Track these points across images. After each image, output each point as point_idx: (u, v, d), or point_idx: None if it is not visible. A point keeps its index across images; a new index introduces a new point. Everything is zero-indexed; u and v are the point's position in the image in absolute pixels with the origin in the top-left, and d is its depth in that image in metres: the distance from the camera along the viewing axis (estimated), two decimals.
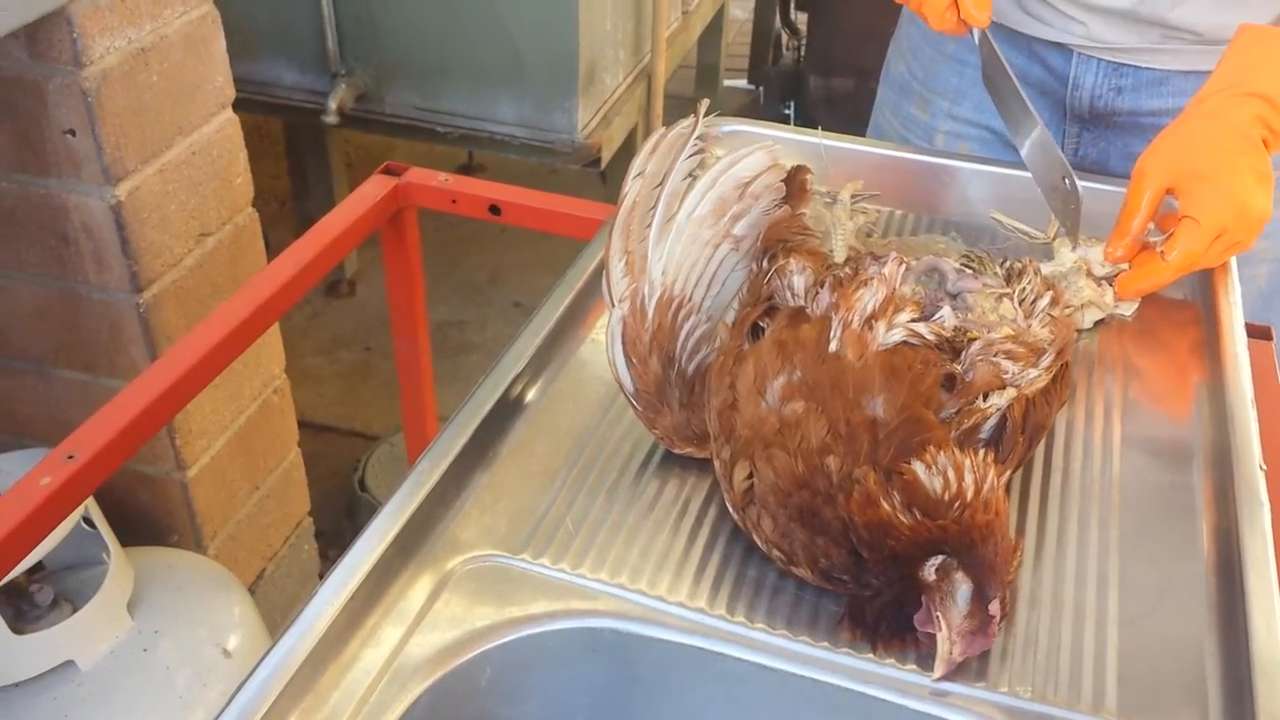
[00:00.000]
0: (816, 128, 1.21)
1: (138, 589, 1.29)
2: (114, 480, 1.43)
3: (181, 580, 1.32)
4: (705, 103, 0.87)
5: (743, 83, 3.82)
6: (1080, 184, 1.09)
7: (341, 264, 2.73)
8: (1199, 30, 1.09)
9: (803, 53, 3.31)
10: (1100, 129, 1.20)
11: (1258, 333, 1.05)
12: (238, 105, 1.42)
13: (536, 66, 2.00)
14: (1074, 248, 0.98)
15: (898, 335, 0.77)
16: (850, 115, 3.18)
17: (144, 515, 1.46)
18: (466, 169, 3.22)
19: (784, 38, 3.55)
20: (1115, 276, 0.97)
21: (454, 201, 1.16)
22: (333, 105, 2.05)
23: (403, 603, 0.71)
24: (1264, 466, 0.80)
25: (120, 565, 1.26)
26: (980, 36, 1.03)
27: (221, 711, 0.62)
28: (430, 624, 0.70)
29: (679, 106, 3.64)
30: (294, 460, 1.67)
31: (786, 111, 3.39)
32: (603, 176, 2.35)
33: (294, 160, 2.67)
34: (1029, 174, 1.03)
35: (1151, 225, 0.96)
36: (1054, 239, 1.02)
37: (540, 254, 2.92)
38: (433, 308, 2.92)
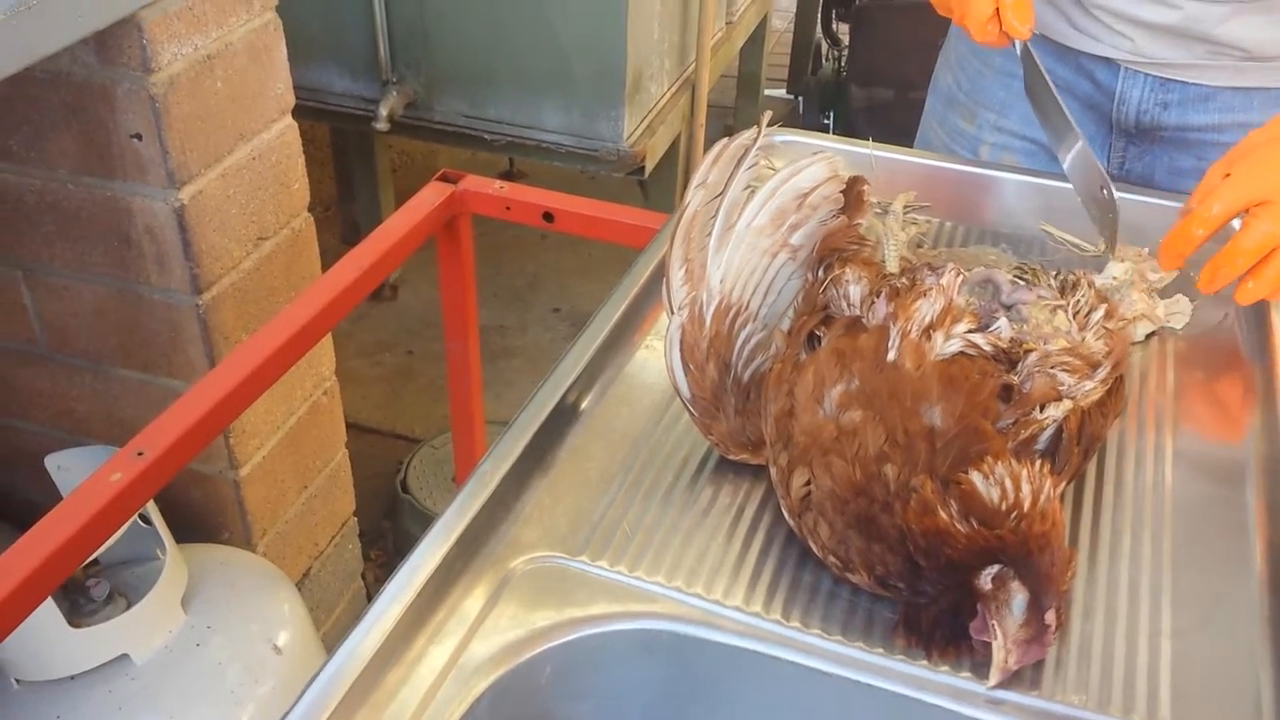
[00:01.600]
0: (857, 137, 1.22)
1: (191, 585, 1.31)
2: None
3: (234, 577, 1.34)
4: (768, 114, 0.88)
5: (782, 92, 3.82)
6: (1122, 196, 1.09)
7: None
8: (1246, 46, 1.09)
9: (843, 63, 3.31)
10: (1146, 143, 1.20)
11: None
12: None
13: (583, 75, 2.02)
14: (1113, 258, 0.98)
15: (955, 345, 0.78)
16: (891, 126, 3.18)
17: (197, 513, 1.49)
18: (507, 175, 3.25)
19: (823, 48, 3.55)
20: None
21: (508, 209, 1.18)
22: (383, 112, 2.08)
23: (467, 601, 0.72)
24: None
25: (175, 561, 1.29)
26: (1022, 48, 1.03)
27: (293, 705, 0.64)
28: (493, 623, 0.71)
29: (720, 116, 3.65)
30: (341, 461, 1.69)
31: (826, 121, 3.39)
32: (641, 185, 2.36)
33: (340, 165, 2.71)
34: (1068, 185, 1.03)
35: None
36: (1104, 251, 1.02)
37: (580, 260, 2.94)
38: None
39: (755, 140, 0.86)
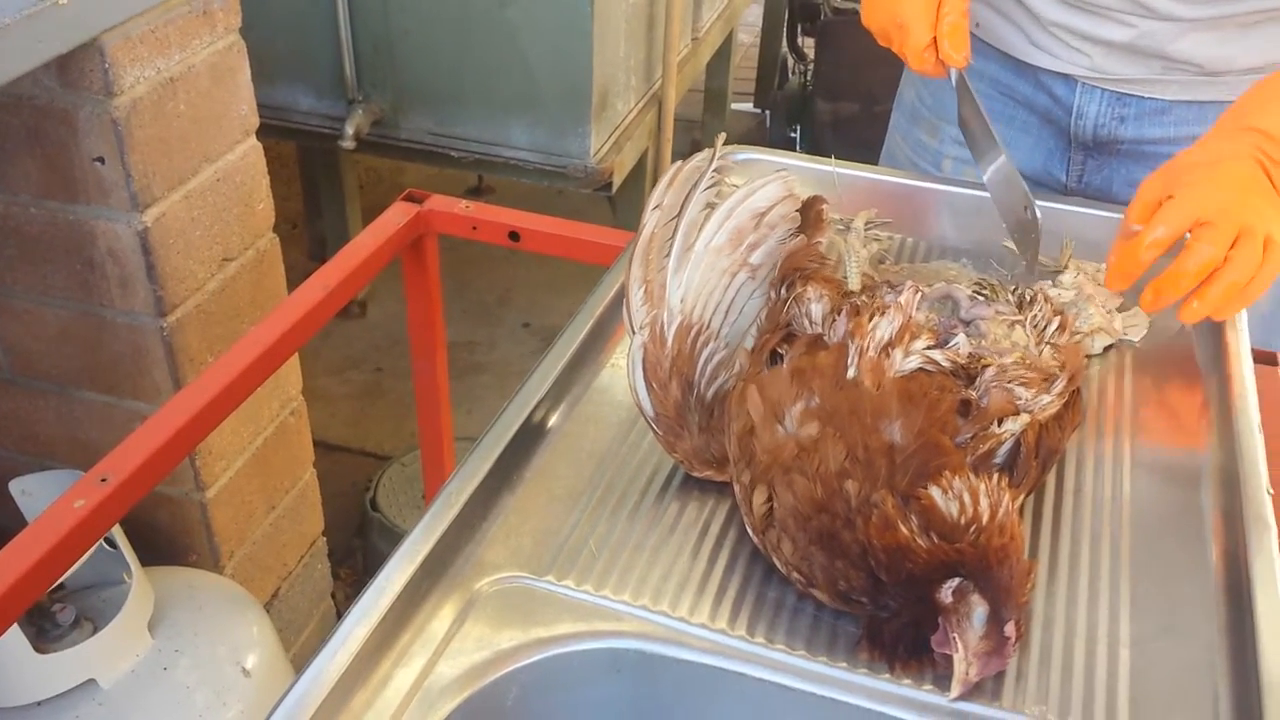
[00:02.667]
0: (822, 152, 1.23)
1: (158, 608, 1.31)
2: None
3: (201, 600, 1.33)
4: (722, 136, 0.90)
5: (749, 106, 3.85)
6: (1081, 210, 1.11)
7: None
8: (1199, 62, 1.11)
9: (809, 77, 3.34)
10: (1104, 156, 1.22)
11: (1263, 358, 1.07)
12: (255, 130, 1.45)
13: (551, 93, 2.02)
14: (1033, 274, 1.00)
15: (914, 362, 0.79)
16: (856, 140, 3.21)
17: (163, 535, 1.48)
18: (476, 191, 3.25)
19: (790, 62, 3.58)
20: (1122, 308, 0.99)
21: (474, 228, 1.18)
22: (350, 131, 2.08)
23: (433, 623, 0.72)
24: (1271, 490, 0.82)
25: (141, 585, 1.28)
26: (957, 78, 1.05)
27: None
28: (459, 644, 0.71)
29: (687, 130, 3.67)
30: (309, 481, 1.69)
31: (792, 135, 3.42)
32: (610, 201, 2.37)
33: (307, 183, 2.71)
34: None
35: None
36: (1065, 265, 1.04)
37: (549, 275, 2.94)
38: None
39: (711, 162, 0.87)
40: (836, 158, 1.24)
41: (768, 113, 3.69)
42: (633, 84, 2.25)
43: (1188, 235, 0.91)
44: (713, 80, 3.46)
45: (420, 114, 2.12)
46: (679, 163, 0.89)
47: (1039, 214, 1.00)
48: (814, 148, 3.17)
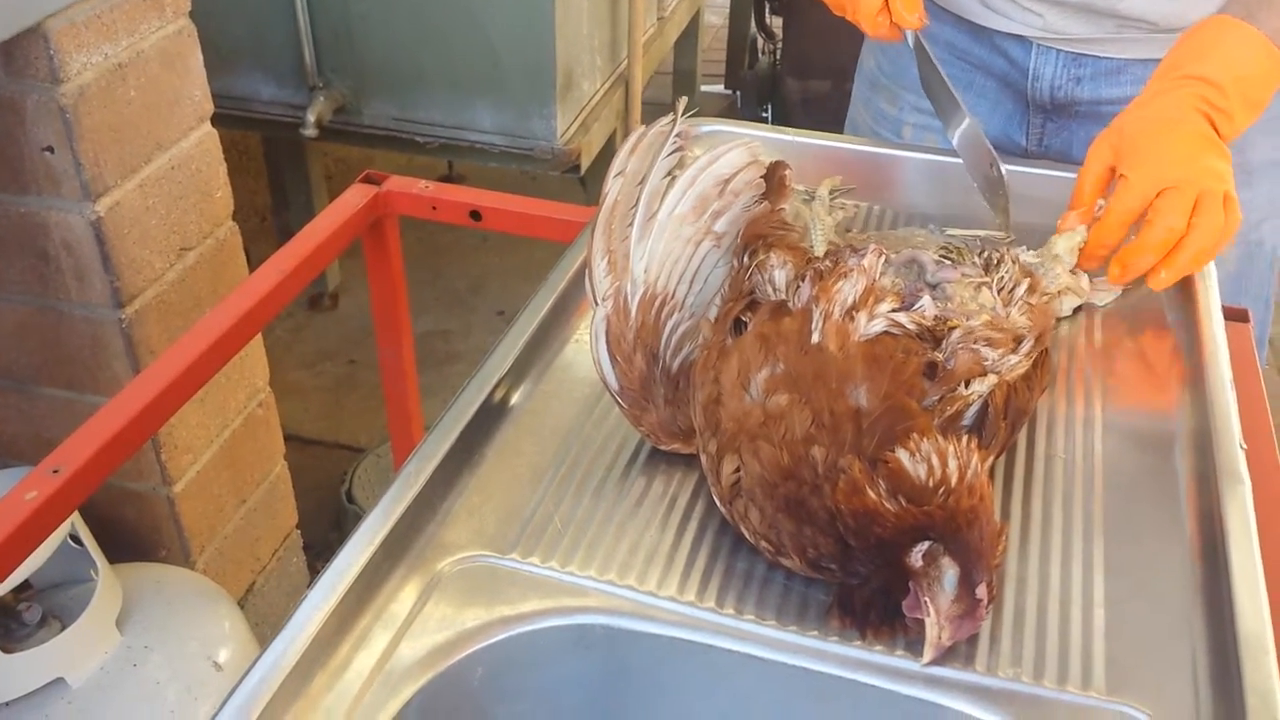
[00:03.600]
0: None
1: (127, 605, 1.28)
2: (100, 497, 1.43)
3: (170, 595, 1.31)
4: (684, 100, 0.88)
5: (719, 88, 3.83)
6: (1041, 172, 1.10)
7: (324, 277, 2.73)
8: (1151, 19, 1.11)
9: (778, 57, 3.33)
10: (1063, 119, 1.21)
11: (1234, 315, 1.06)
12: (216, 120, 1.42)
13: (514, 75, 2.00)
14: (1006, 232, 1.01)
15: (879, 325, 0.78)
16: (827, 117, 3.20)
17: (131, 531, 1.46)
18: (447, 179, 3.22)
19: (759, 42, 3.56)
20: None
21: (434, 208, 1.16)
22: (311, 118, 2.05)
23: (393, 605, 0.71)
24: (1244, 445, 0.81)
25: (108, 582, 1.26)
26: (914, 40, 1.05)
27: (217, 713, 0.62)
28: (420, 626, 0.70)
29: (657, 113, 3.65)
30: (280, 473, 1.66)
31: (764, 115, 3.40)
32: (582, 182, 2.35)
33: (273, 174, 2.67)
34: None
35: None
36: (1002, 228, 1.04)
37: (522, 262, 2.92)
38: (416, 318, 2.91)
39: (673, 127, 0.85)
40: (806, 130, 1.23)
41: (738, 94, 3.67)
42: (598, 64, 2.23)
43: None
44: (681, 61, 3.44)
45: (383, 100, 2.09)
46: (641, 129, 0.87)
47: (1004, 171, 1.00)
48: (785, 126, 3.15)
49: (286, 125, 2.14)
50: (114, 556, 1.35)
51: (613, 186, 0.84)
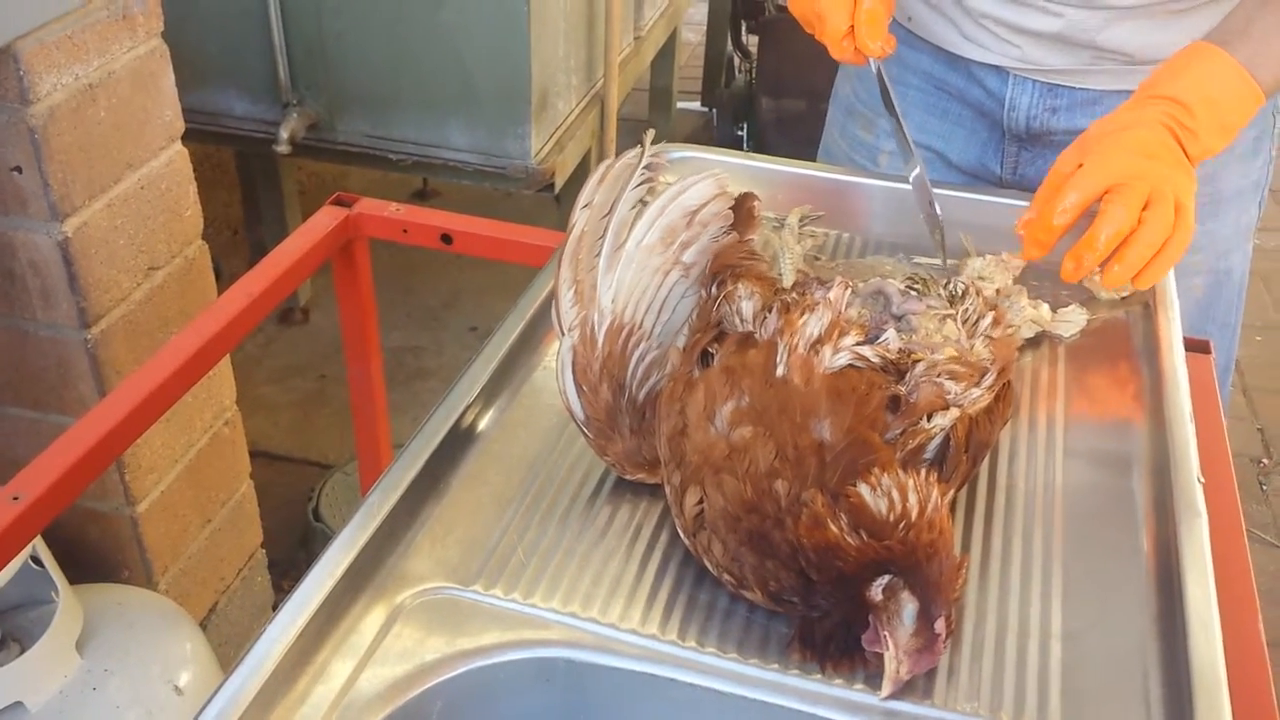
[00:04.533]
0: (768, 149, 1.23)
1: (87, 627, 1.27)
2: (63, 517, 1.41)
3: (132, 618, 1.30)
4: (651, 132, 0.88)
5: (697, 105, 3.84)
6: (1013, 202, 1.11)
7: (295, 291, 2.72)
8: (1128, 51, 1.12)
9: (754, 75, 3.34)
10: (1038, 148, 1.22)
11: (1195, 346, 1.07)
12: (188, 136, 1.42)
13: (488, 93, 2.00)
14: (944, 268, 1.03)
15: (843, 359, 0.78)
16: (802, 137, 3.21)
17: (93, 552, 1.44)
18: (421, 195, 3.22)
19: (736, 60, 3.58)
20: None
21: (405, 231, 1.16)
22: (284, 135, 2.04)
23: (353, 637, 0.71)
24: (1202, 479, 0.82)
25: (69, 604, 1.25)
26: (876, 67, 1.06)
27: None
28: (381, 658, 0.70)
29: (633, 129, 3.66)
30: (246, 492, 1.65)
31: (740, 133, 3.41)
32: (557, 200, 2.36)
33: (246, 189, 2.66)
34: (965, 194, 1.09)
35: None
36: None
37: (495, 279, 2.91)
38: (387, 334, 2.91)
39: (641, 159, 0.86)
40: (782, 155, 1.24)
41: (714, 111, 3.68)
42: (573, 84, 2.23)
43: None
44: (658, 79, 3.45)
45: (356, 117, 2.09)
46: (609, 160, 0.87)
47: (939, 210, 1.03)
48: (760, 146, 3.17)
49: (259, 141, 2.14)
50: (76, 577, 1.34)
51: (580, 217, 0.84)
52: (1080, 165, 0.95)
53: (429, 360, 2.71)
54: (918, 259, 1.07)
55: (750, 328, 0.83)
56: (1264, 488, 2.47)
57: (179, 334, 0.99)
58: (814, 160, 1.40)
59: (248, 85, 2.10)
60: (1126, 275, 0.94)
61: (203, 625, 1.60)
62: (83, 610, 1.28)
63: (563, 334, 0.82)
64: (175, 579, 1.52)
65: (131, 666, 1.26)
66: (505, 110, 2.01)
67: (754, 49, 3.36)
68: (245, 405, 1.62)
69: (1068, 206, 0.94)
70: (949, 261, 1.05)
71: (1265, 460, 2.54)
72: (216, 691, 0.65)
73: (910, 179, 1.06)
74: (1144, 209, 0.92)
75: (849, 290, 0.84)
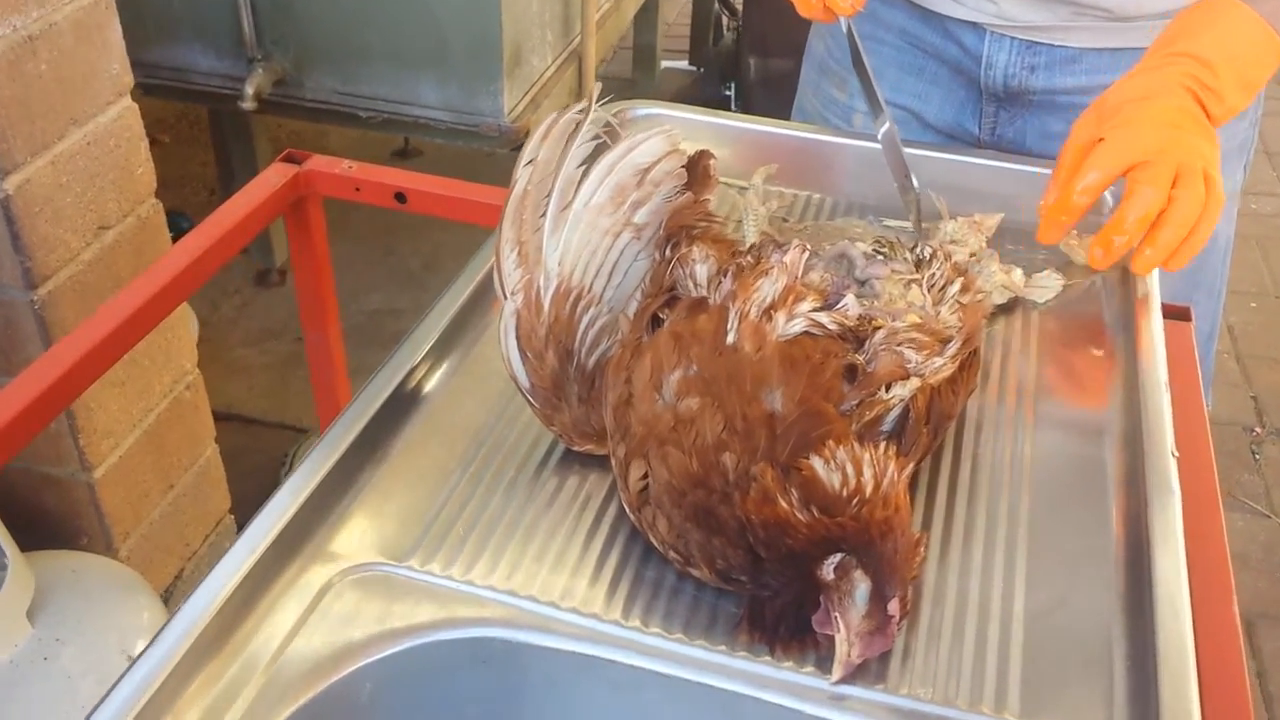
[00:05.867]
0: (753, 109, 1.19)
1: (39, 595, 1.24)
2: (19, 482, 1.38)
3: (87, 585, 1.27)
4: (598, 85, 0.84)
5: (684, 64, 3.78)
6: (993, 164, 1.08)
7: (271, 252, 2.67)
8: (1108, 6, 1.08)
9: (741, 34, 3.28)
10: (1016, 108, 1.18)
11: (1175, 314, 1.04)
12: (153, 92, 1.37)
13: (460, 49, 1.95)
14: (921, 242, 0.97)
15: (798, 325, 0.75)
16: (789, 98, 3.16)
17: (50, 518, 1.41)
18: (403, 155, 3.16)
19: (724, 19, 3.52)
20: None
21: (358, 189, 1.12)
22: (249, 91, 1.99)
23: (276, 615, 0.67)
24: (1176, 453, 0.79)
25: (19, 571, 1.21)
26: (846, 26, 1.01)
27: None
28: (305, 638, 0.66)
29: (617, 90, 3.61)
30: (211, 457, 1.62)
31: (727, 93, 3.35)
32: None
33: (219, 147, 2.61)
34: (939, 154, 1.03)
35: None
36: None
37: (478, 240, 2.86)
38: (366, 295, 2.87)
39: (587, 114, 0.81)
40: (768, 115, 1.20)
41: (701, 70, 3.62)
42: (549, 39, 2.17)
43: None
44: (641, 36, 3.38)
45: (324, 72, 2.03)
46: (554, 114, 0.83)
47: (916, 183, 0.98)
48: (747, 105, 3.11)
49: (225, 97, 2.08)
50: (34, 544, 1.31)
51: (522, 175, 0.80)
52: (1100, 139, 0.90)
53: (408, 323, 2.65)
54: (887, 222, 1.03)
55: (705, 292, 0.79)
56: (1256, 456, 2.44)
57: (109, 301, 0.95)
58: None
59: (212, 40, 2.04)
60: (1159, 258, 0.89)
61: (169, 592, 1.57)
62: (34, 578, 1.25)
63: (505, 298, 0.78)
64: (137, 546, 1.49)
65: (85, 635, 1.23)
66: (477, 66, 1.95)
67: (740, 6, 3.29)
68: (220, 368, 1.58)
69: (1089, 186, 0.89)
70: (922, 225, 1.01)
71: (1258, 429, 2.51)
72: (124, 674, 0.61)
73: (880, 136, 1.02)
74: (1173, 185, 0.87)
75: (806, 253, 0.80)
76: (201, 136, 2.93)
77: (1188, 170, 0.87)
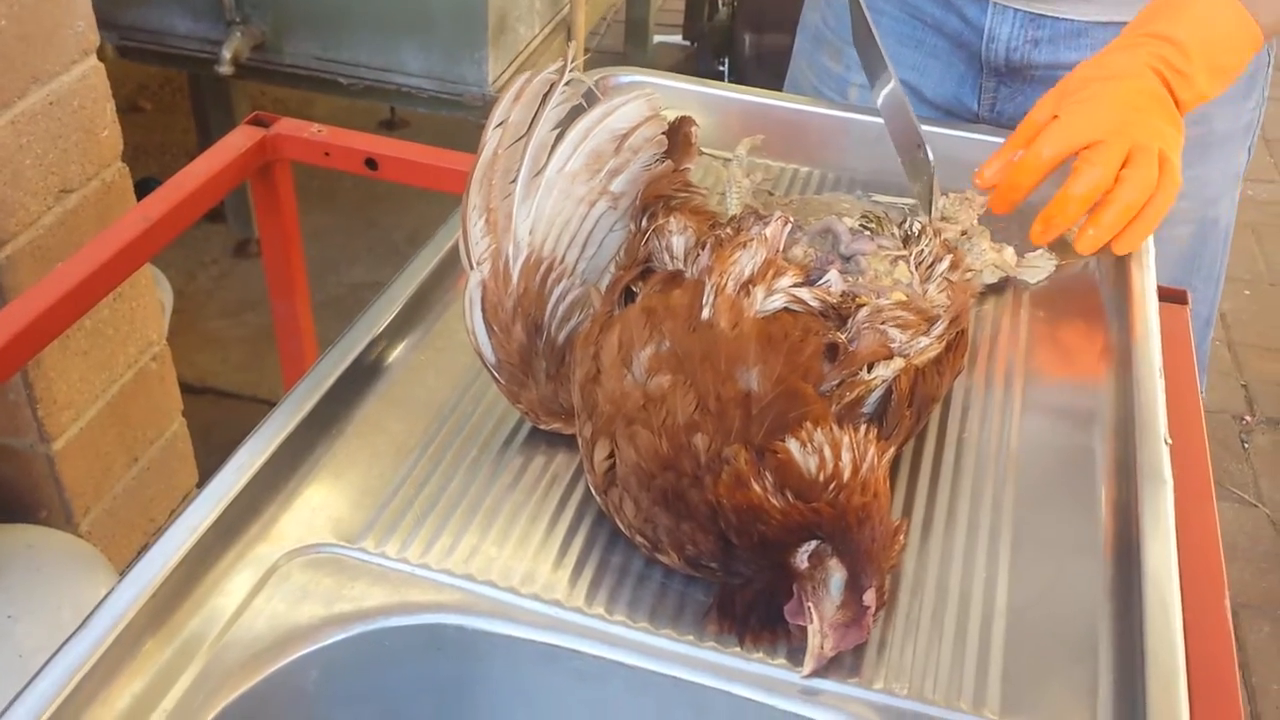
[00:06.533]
0: (748, 85, 1.15)
1: None
2: None
3: (41, 561, 1.23)
4: (575, 43, 0.80)
5: (678, 38, 3.72)
6: (991, 139, 1.03)
7: (250, 222, 2.62)
8: None
9: (736, 8, 3.23)
10: (1018, 83, 1.15)
11: (1171, 297, 1.00)
12: (129, 54, 1.32)
13: (443, 14, 1.90)
14: (928, 214, 0.92)
15: (778, 301, 0.71)
16: (784, 72, 3.11)
17: (7, 491, 1.37)
18: (389, 125, 3.11)
19: None
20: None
21: (327, 154, 1.08)
22: (227, 55, 1.94)
23: (216, 599, 0.64)
24: (1169, 440, 0.75)
25: None
26: None
27: None
28: (248, 623, 0.63)
29: (611, 61, 3.55)
30: (178, 431, 1.58)
31: (721, 69, 3.30)
32: None
33: (198, 114, 2.55)
34: (936, 129, 0.98)
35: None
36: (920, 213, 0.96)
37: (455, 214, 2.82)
38: (349, 268, 2.83)
39: (562, 75, 0.77)
40: (737, 86, 1.16)
41: (695, 45, 3.57)
42: (537, 7, 2.12)
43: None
44: (634, 10, 3.33)
45: (304, 37, 1.98)
46: (526, 74, 0.79)
47: (931, 155, 0.92)
48: (741, 81, 3.06)
49: (203, 61, 2.03)
50: None
51: (492, 137, 0.76)
52: (1055, 116, 0.87)
53: None
54: (876, 197, 0.99)
55: (681, 265, 0.75)
56: (1245, 445, 2.42)
57: (61, 265, 0.91)
58: None
59: (189, 2, 1.99)
60: (1102, 239, 0.87)
61: (130, 567, 1.53)
62: None
63: (471, 267, 0.75)
64: (99, 520, 1.45)
65: (38, 611, 1.19)
66: (461, 33, 1.90)
67: None
68: (194, 340, 1.54)
69: (1040, 163, 0.87)
70: (905, 202, 0.97)
71: (1248, 417, 2.48)
72: (52, 658, 0.58)
73: (880, 101, 0.96)
74: (1123, 166, 0.85)
75: (788, 226, 0.76)
76: (185, 104, 2.87)
77: (1141, 150, 0.85)
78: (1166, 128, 0.87)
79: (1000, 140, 1.05)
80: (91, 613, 0.60)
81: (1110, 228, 0.86)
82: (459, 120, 2.17)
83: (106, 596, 0.61)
